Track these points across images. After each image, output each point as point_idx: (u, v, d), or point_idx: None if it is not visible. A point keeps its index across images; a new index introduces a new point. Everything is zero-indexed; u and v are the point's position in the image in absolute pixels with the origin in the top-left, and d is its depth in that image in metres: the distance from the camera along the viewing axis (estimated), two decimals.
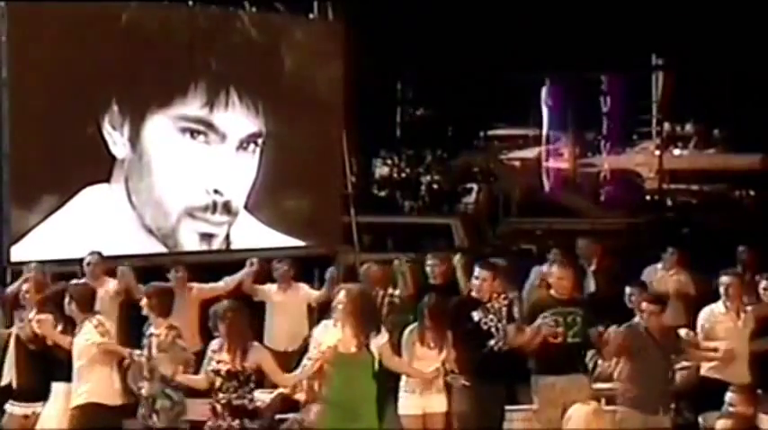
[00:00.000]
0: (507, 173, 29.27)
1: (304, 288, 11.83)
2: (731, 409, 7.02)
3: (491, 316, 9.15)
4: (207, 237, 13.75)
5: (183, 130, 13.48)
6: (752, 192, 29.08)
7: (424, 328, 8.92)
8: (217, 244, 13.88)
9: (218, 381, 8.06)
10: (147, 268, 11.64)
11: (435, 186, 30.58)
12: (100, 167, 12.82)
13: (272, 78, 14.48)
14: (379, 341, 8.08)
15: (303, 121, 14.56)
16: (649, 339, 8.88)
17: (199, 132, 13.58)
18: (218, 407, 8.08)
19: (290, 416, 9.69)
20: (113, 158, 12.92)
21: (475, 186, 28.99)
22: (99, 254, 11.09)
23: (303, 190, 14.70)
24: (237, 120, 13.94)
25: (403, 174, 31.71)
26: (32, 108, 12.20)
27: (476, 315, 9.13)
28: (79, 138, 12.57)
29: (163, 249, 13.36)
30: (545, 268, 9.87)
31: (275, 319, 11.55)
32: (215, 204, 13.71)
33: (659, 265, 13.08)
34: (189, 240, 13.59)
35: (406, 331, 9.05)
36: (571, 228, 21.75)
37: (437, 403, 8.93)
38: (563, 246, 13.69)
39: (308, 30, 15.31)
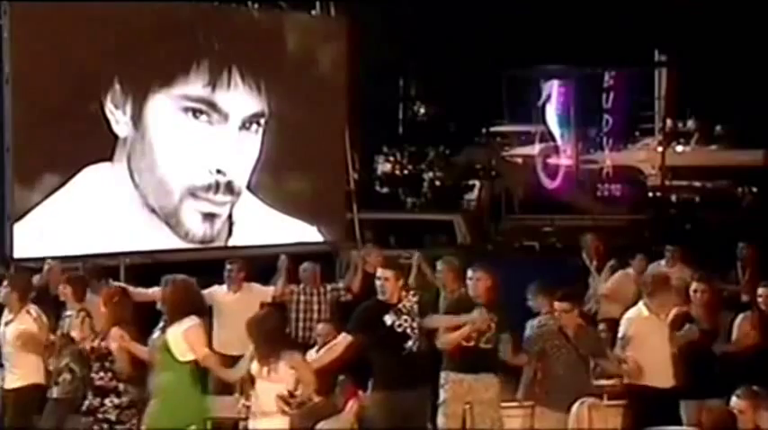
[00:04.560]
0: (510, 169, 29.21)
1: (256, 287, 11.55)
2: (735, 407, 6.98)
3: (404, 316, 8.66)
4: (209, 216, 13.74)
5: (186, 110, 13.47)
6: (754, 189, 29.05)
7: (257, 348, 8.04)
8: (219, 224, 13.89)
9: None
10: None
11: (438, 183, 30.55)
12: (102, 146, 12.81)
13: (275, 61, 14.50)
14: (183, 327, 8.01)
15: (307, 103, 14.59)
16: (562, 338, 8.86)
17: (201, 112, 13.57)
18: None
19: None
20: (116, 137, 12.92)
21: (477, 183, 28.91)
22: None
23: (306, 171, 14.73)
24: (240, 99, 13.94)
25: (405, 171, 31.69)
26: (35, 90, 12.18)
27: (388, 318, 8.63)
28: (81, 117, 12.55)
29: (165, 230, 13.39)
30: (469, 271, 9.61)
31: (223, 323, 10.89)
32: (217, 184, 13.71)
33: (662, 262, 13.07)
34: (191, 220, 13.58)
35: None
36: (574, 225, 21.72)
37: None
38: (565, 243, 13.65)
39: (310, 26, 15.40)
